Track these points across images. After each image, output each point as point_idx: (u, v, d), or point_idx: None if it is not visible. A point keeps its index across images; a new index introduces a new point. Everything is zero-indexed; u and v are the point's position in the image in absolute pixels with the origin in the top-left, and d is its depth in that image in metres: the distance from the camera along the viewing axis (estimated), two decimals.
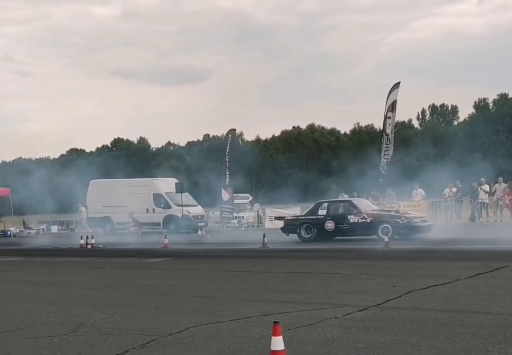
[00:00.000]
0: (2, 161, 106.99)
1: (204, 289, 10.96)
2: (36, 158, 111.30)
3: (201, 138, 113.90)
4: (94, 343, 6.95)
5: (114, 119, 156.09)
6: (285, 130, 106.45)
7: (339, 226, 21.20)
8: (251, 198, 42.21)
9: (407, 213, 21.34)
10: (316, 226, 21.62)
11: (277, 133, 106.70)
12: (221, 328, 7.41)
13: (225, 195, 33.86)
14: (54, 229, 39.41)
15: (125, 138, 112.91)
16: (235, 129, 37.23)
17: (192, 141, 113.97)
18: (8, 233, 35.51)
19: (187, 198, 31.94)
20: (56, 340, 7.19)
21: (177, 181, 32.15)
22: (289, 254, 17.90)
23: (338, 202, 22.83)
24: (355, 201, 22.57)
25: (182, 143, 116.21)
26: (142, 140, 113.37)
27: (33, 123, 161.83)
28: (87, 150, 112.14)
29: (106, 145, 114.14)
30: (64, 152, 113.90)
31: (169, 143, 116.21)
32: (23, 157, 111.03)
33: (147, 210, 31.99)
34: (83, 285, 12.44)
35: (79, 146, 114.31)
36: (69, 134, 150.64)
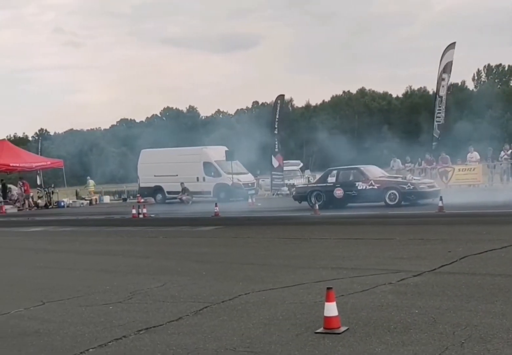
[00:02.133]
0: (54, 133, 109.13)
1: (255, 256, 10.97)
2: (87, 129, 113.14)
3: (250, 106, 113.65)
4: (148, 310, 7.01)
5: (164, 88, 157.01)
6: (335, 95, 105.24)
7: (347, 193, 21.41)
8: (301, 164, 42.01)
9: (414, 179, 21.41)
10: (325, 193, 21.82)
11: (327, 98, 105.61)
12: (273, 295, 7.39)
13: (275, 162, 33.78)
14: (107, 199, 39.94)
15: (174, 108, 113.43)
16: (283, 95, 36.88)
17: (241, 109, 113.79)
18: (62, 203, 36.10)
19: (237, 165, 31.87)
20: (111, 307, 7.28)
21: (227, 149, 32.14)
22: (341, 220, 17.76)
23: (347, 169, 22.67)
24: (363, 167, 22.43)
25: (231, 111, 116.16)
26: (191, 109, 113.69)
27: (84, 94, 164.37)
28: (137, 120, 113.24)
29: (156, 114, 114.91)
30: (115, 123, 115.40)
31: (218, 112, 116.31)
32: (74, 128, 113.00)
33: (198, 178, 32.10)
34: (136, 253, 12.59)
35: (129, 116, 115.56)
36: (120, 104, 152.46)
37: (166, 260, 11.25)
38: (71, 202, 37.01)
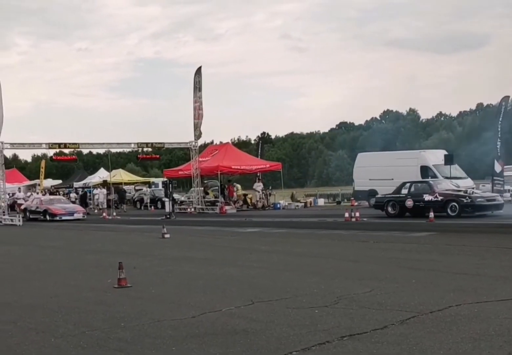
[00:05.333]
0: (275, 136, 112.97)
1: (469, 266, 10.50)
2: (306, 133, 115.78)
3: (473, 108, 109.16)
4: (354, 316, 6.94)
5: (386, 91, 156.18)
6: None
7: (416, 203, 23.73)
8: None
9: (474, 193, 23.54)
10: (399, 203, 24.36)
11: None
12: (486, 308, 7.02)
13: (497, 166, 32.17)
14: (321, 202, 40.47)
15: (394, 110, 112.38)
16: (509, 97, 34.97)
17: (464, 111, 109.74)
18: (278, 205, 37.13)
19: (455, 170, 30.80)
20: (316, 311, 7.30)
21: (446, 153, 31.13)
22: None
23: (418, 182, 25.39)
24: (432, 181, 25.18)
25: (454, 113, 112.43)
26: (411, 111, 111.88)
27: (306, 98, 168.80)
28: (356, 123, 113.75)
29: (375, 117, 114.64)
30: (334, 126, 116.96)
31: (440, 114, 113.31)
32: (294, 132, 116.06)
33: None
34: (345, 257, 12.58)
35: (348, 119, 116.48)
36: (340, 107, 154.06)
37: (375, 265, 11.10)
38: (286, 204, 37.94)
